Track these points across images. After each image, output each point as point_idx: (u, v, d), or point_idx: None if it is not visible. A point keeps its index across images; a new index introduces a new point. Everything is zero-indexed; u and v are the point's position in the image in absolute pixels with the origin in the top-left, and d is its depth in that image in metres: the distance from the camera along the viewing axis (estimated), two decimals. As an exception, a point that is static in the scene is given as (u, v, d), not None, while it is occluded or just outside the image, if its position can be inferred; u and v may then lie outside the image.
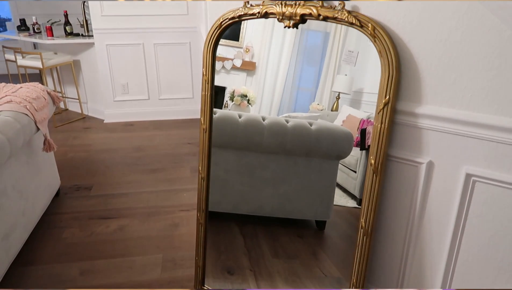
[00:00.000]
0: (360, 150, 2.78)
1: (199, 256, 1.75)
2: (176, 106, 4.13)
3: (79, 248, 2.07)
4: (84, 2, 3.99)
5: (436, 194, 1.20)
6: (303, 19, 1.26)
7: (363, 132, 2.36)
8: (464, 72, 1.06)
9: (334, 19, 1.18)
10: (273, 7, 1.29)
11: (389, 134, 1.19)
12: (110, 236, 2.17)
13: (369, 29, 1.12)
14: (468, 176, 1.11)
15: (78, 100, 4.19)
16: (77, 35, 4.04)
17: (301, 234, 2.42)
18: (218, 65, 3.80)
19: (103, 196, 2.60)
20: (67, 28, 4.04)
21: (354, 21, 1.14)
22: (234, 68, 3.68)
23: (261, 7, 1.32)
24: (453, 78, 1.08)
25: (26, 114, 1.94)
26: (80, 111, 4.25)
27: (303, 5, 1.23)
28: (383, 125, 1.16)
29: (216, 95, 4.58)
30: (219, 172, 2.35)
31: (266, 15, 1.32)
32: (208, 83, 1.54)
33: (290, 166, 2.43)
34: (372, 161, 1.22)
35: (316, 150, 2.37)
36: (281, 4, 1.27)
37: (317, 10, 1.19)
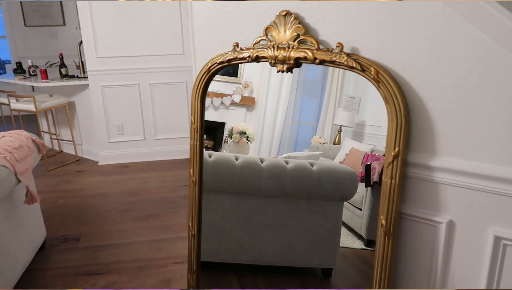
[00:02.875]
0: (366, 186, 2.61)
1: (190, 323, 1.56)
2: (173, 145, 4.00)
3: (61, 311, 1.88)
4: (81, 43, 3.96)
5: (460, 259, 1.03)
6: (297, 63, 1.14)
7: (367, 168, 2.24)
8: (484, 119, 0.92)
9: (332, 62, 1.05)
10: (264, 50, 1.18)
11: (401, 190, 1.04)
12: (96, 296, 1.98)
13: (372, 73, 0.99)
14: (497, 239, 0.95)
15: (72, 142, 4.08)
16: (72, 77, 3.98)
17: (305, 283, 2.25)
18: (217, 101, 3.69)
19: (92, 248, 2.42)
20: (62, 70, 3.98)
21: (354, 65, 1.01)
22: (233, 104, 3.57)
23: (251, 50, 1.21)
24: (471, 127, 0.94)
25: (6, 166, 1.81)
26: (74, 153, 4.13)
27: (297, 48, 1.11)
28: (393, 181, 1.01)
29: (215, 131, 4.43)
30: (216, 219, 2.19)
31: (257, 59, 1.21)
32: (197, 132, 1.41)
33: (291, 210, 2.26)
34: (383, 222, 1.06)
35: (319, 192, 2.21)
36: (273, 47, 1.16)
37: (313, 54, 1.07)
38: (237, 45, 1.25)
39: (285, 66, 1.16)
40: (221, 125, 4.66)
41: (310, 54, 1.08)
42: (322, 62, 1.08)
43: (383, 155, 1.94)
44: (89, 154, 4.13)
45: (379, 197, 2.66)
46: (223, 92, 3.51)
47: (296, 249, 2.26)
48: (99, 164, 3.95)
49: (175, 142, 3.99)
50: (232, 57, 1.25)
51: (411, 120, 1.01)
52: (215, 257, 2.18)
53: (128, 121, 3.88)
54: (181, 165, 3.85)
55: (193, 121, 1.40)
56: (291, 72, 1.17)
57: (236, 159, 2.22)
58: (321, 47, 1.09)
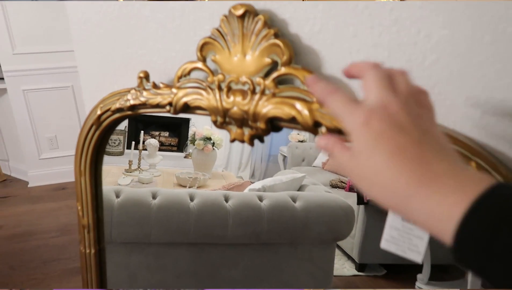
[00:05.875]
0: (358, 204, 2.10)
1: None
2: (122, 159, 3.30)
3: None
4: None
5: None
6: (274, 125, 0.50)
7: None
8: None
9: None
10: (200, 93, 0.53)
11: None
12: None
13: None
14: None
15: (-5, 159, 3.30)
16: (-12, 77, 3.17)
17: None
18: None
19: (-6, 331, 1.74)
20: (-26, 69, 3.16)
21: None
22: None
23: (173, 92, 0.55)
24: None
25: None
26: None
27: (274, 94, 0.47)
28: None
29: (179, 127, 3.57)
30: (168, 279, 1.58)
31: (186, 109, 0.56)
32: (89, 232, 0.75)
33: (268, 259, 1.67)
34: None
35: (305, 235, 1.61)
36: (219, 88, 0.51)
37: (312, 113, 0.44)
38: (147, 77, 0.59)
39: (247, 132, 0.51)
40: (186, 121, 3.85)
41: (305, 111, 0.44)
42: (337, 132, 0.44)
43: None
44: (18, 173, 3.36)
45: (373, 216, 2.06)
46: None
47: (275, 308, 1.68)
48: (29, 185, 3.20)
49: (125, 154, 3.29)
50: (137, 103, 0.60)
51: None
52: (169, 329, 1.58)
53: (62, 132, 3.13)
54: (132, 182, 3.16)
55: (81, 213, 0.74)
56: (261, 141, 0.53)
57: (192, 199, 1.61)
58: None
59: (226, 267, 1.66)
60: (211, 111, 0.53)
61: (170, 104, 0.56)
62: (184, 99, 0.55)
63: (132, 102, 0.61)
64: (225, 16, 0.50)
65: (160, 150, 3.63)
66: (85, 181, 0.72)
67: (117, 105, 0.63)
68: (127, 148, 3.55)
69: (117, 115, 0.64)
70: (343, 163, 0.33)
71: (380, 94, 0.31)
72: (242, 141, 0.53)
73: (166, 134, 4.15)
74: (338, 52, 0.45)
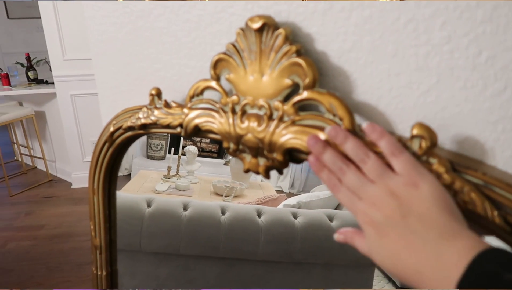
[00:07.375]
0: None
1: None
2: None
3: None
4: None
5: None
6: (293, 157, 0.42)
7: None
8: None
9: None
10: (213, 117, 0.46)
11: None
12: None
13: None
14: None
15: (43, 159, 3.44)
16: (41, 82, 3.33)
17: None
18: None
19: (26, 331, 1.77)
20: (29, 73, 3.33)
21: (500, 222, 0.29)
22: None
23: (184, 112, 0.49)
24: None
25: None
26: (47, 172, 3.50)
27: (294, 122, 0.40)
28: None
29: None
30: None
31: (197, 133, 0.50)
32: (101, 253, 0.70)
33: (300, 279, 1.60)
34: None
35: (340, 257, 1.51)
36: (233, 112, 0.44)
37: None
38: (159, 94, 0.54)
39: (263, 163, 0.44)
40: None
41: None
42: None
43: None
44: (63, 174, 3.49)
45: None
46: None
47: (306, 330, 1.58)
48: (72, 187, 3.31)
49: (164, 160, 3.32)
50: (148, 122, 0.54)
51: None
52: None
53: (105, 136, 3.21)
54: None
55: (93, 233, 0.70)
56: (280, 174, 0.46)
57: (223, 212, 1.56)
58: (363, 125, 0.37)
59: (256, 285, 1.60)
60: (223, 137, 0.46)
61: (181, 125, 0.50)
62: (195, 121, 0.48)
63: (143, 120, 0.55)
64: (242, 30, 0.43)
65: (200, 156, 3.62)
66: (98, 201, 0.68)
67: (129, 123, 0.58)
68: (169, 153, 3.58)
69: (129, 133, 0.60)
70: (363, 251, 0.38)
71: (367, 191, 0.36)
72: (257, 173, 0.46)
73: (207, 140, 4.14)
74: (373, 75, 0.37)
